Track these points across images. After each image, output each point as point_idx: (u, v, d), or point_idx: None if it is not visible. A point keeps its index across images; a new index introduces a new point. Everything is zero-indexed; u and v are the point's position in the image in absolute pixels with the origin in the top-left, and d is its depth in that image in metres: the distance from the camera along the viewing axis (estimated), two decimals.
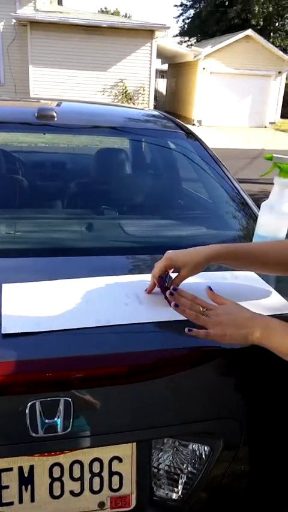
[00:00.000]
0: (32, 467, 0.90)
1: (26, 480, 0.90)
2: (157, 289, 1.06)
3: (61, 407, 0.85)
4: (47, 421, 0.84)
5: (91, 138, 2.43)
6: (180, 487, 0.97)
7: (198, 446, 0.96)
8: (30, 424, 0.84)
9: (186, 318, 0.94)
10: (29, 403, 0.83)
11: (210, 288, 0.97)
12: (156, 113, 2.30)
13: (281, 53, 18.11)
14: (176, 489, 0.97)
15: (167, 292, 0.96)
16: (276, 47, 19.43)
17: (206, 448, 0.95)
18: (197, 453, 0.96)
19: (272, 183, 1.32)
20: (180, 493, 0.97)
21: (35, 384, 0.84)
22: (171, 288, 1.01)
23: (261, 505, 1.03)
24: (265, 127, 18.44)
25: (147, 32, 14.19)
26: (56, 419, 0.85)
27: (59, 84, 14.03)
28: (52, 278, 1.11)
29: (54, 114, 1.75)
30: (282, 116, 19.63)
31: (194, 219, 1.72)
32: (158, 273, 1.03)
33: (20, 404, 0.83)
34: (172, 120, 2.10)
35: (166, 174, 2.12)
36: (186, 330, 0.88)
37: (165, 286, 1.03)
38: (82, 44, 13.96)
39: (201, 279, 1.17)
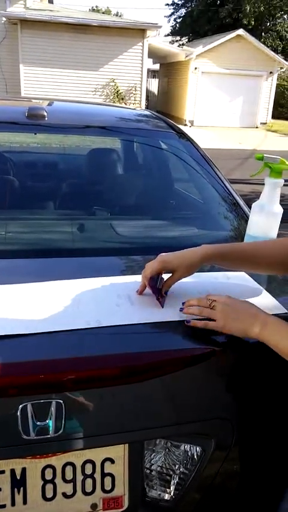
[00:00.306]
0: (24, 470, 0.90)
1: (18, 482, 0.90)
2: (148, 290, 1.06)
3: (53, 409, 0.84)
4: (38, 423, 0.84)
5: (82, 137, 2.42)
6: (172, 487, 0.97)
7: (190, 447, 0.96)
8: (21, 426, 0.83)
9: (178, 319, 0.96)
10: (21, 406, 0.83)
11: None
12: (147, 112, 2.30)
13: (272, 53, 18.20)
14: (168, 490, 0.97)
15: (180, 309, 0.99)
16: (268, 47, 19.53)
17: (198, 448, 0.96)
18: (189, 454, 0.96)
19: (263, 184, 1.32)
20: (172, 494, 0.97)
21: (26, 386, 0.84)
22: (163, 290, 1.02)
23: (253, 504, 1.03)
24: (256, 127, 18.52)
25: (138, 31, 14.18)
26: (47, 421, 0.84)
27: (50, 84, 13.98)
28: (43, 279, 1.10)
29: (45, 114, 1.74)
30: (274, 117, 19.72)
31: (186, 220, 1.73)
32: (149, 274, 1.03)
33: (11, 407, 0.83)
34: (164, 120, 2.11)
35: (158, 175, 2.12)
36: (185, 322, 0.94)
37: (156, 287, 1.03)
38: (73, 43, 13.92)
39: (192, 279, 1.17)
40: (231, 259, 1.07)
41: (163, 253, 1.04)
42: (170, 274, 1.04)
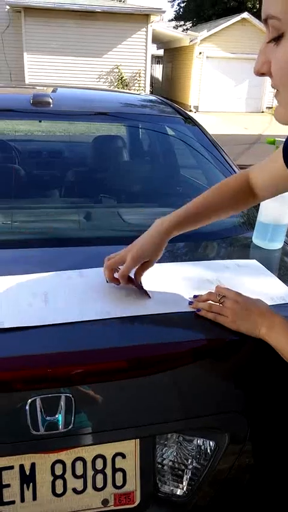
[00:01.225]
0: (33, 465, 0.88)
1: (28, 478, 0.88)
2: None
3: (62, 403, 0.82)
4: (48, 418, 0.82)
5: (89, 124, 2.37)
6: (185, 482, 0.95)
7: (203, 441, 0.93)
8: (31, 421, 0.81)
9: (186, 310, 0.95)
10: (29, 400, 0.80)
11: None
12: (153, 98, 2.25)
13: None
14: (181, 485, 0.95)
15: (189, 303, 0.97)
16: None
17: (211, 442, 0.93)
18: (202, 448, 0.94)
19: None
20: (185, 489, 0.95)
21: (35, 380, 0.81)
22: (140, 282, 1.01)
23: (268, 499, 1.01)
24: (262, 112, 18.29)
25: (142, 17, 13.98)
26: (57, 416, 0.82)
27: (55, 71, 13.87)
28: (50, 270, 1.07)
29: (50, 100, 1.71)
30: None
31: None
32: (127, 274, 1.00)
33: (19, 402, 0.81)
34: (170, 105, 2.06)
35: (166, 161, 2.08)
36: (196, 311, 0.94)
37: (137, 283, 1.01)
38: (77, 29, 13.76)
39: (202, 268, 1.14)
40: (190, 224, 1.04)
41: (130, 251, 0.99)
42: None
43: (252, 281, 1.11)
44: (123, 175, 1.92)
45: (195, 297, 0.98)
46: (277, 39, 0.56)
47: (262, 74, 0.61)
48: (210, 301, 0.94)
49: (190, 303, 0.97)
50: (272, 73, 0.58)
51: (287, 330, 0.85)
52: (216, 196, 1.04)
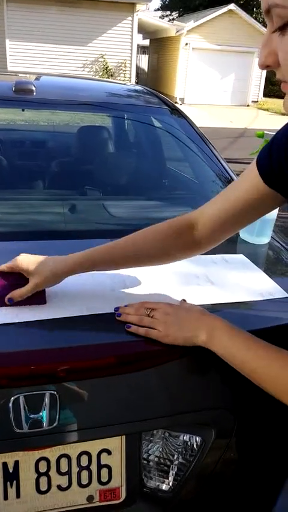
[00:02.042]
0: (17, 463, 0.86)
1: (11, 476, 0.86)
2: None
3: (47, 401, 0.80)
4: (31, 416, 0.80)
5: (73, 114, 2.33)
6: (171, 478, 0.94)
7: (190, 437, 0.93)
8: (14, 419, 0.79)
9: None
10: (12, 398, 0.78)
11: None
12: (140, 88, 2.22)
13: (264, 29, 17.83)
14: (166, 480, 0.94)
15: (117, 315, 0.89)
16: (259, 22, 19.17)
17: (197, 438, 0.92)
18: (189, 444, 0.93)
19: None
20: (171, 484, 0.95)
21: (18, 377, 0.79)
22: (6, 296, 0.89)
23: (253, 493, 1.01)
24: (248, 105, 18.34)
25: (128, 5, 13.82)
26: (41, 413, 0.80)
27: (38, 59, 13.65)
28: None
29: (33, 88, 1.67)
30: (265, 95, 19.52)
31: (181, 199, 1.68)
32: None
33: (2, 399, 0.79)
34: (157, 96, 2.03)
35: (151, 152, 2.06)
36: (125, 326, 0.85)
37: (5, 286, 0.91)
38: (60, 17, 13.54)
39: (190, 263, 1.13)
40: (105, 265, 0.95)
41: (23, 254, 0.92)
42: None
43: (240, 276, 1.10)
44: (108, 167, 1.89)
45: (116, 309, 0.90)
46: (283, 28, 0.54)
47: (267, 67, 0.58)
48: (139, 316, 0.87)
49: (118, 315, 0.88)
50: (281, 63, 0.56)
51: (231, 332, 0.78)
52: (142, 243, 0.94)
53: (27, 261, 0.91)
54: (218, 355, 0.79)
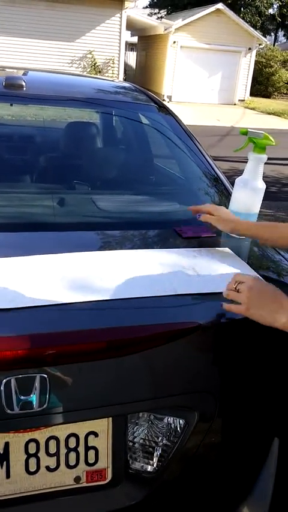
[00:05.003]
0: (7, 444, 0.89)
1: (1, 457, 0.90)
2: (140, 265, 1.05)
3: (37, 383, 0.83)
4: (22, 397, 0.83)
5: (63, 109, 2.35)
6: (155, 459, 0.98)
7: (174, 420, 0.97)
8: (5, 401, 0.82)
9: (160, 294, 0.96)
10: (4, 380, 0.82)
11: None
12: (128, 85, 2.25)
13: (251, 29, 17.99)
14: (151, 462, 0.98)
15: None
16: (247, 22, 19.28)
17: (181, 421, 0.97)
18: (172, 426, 0.97)
19: (242, 161, 1.31)
20: (155, 465, 0.99)
21: (10, 361, 0.82)
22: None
23: (234, 475, 1.06)
24: (234, 104, 18.43)
25: (116, 2, 13.77)
26: (31, 395, 0.84)
27: (25, 54, 13.50)
28: (24, 254, 1.08)
29: (23, 83, 1.68)
30: (252, 94, 19.64)
31: (167, 195, 1.71)
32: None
33: None
34: (145, 93, 2.06)
35: (139, 149, 2.09)
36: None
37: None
38: (48, 12, 13.42)
39: (175, 254, 1.17)
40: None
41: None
42: None
43: (225, 269, 1.14)
44: (96, 162, 1.91)
45: None
46: None
47: None
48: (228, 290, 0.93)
49: None
50: None
51: None
52: None
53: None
54: None
